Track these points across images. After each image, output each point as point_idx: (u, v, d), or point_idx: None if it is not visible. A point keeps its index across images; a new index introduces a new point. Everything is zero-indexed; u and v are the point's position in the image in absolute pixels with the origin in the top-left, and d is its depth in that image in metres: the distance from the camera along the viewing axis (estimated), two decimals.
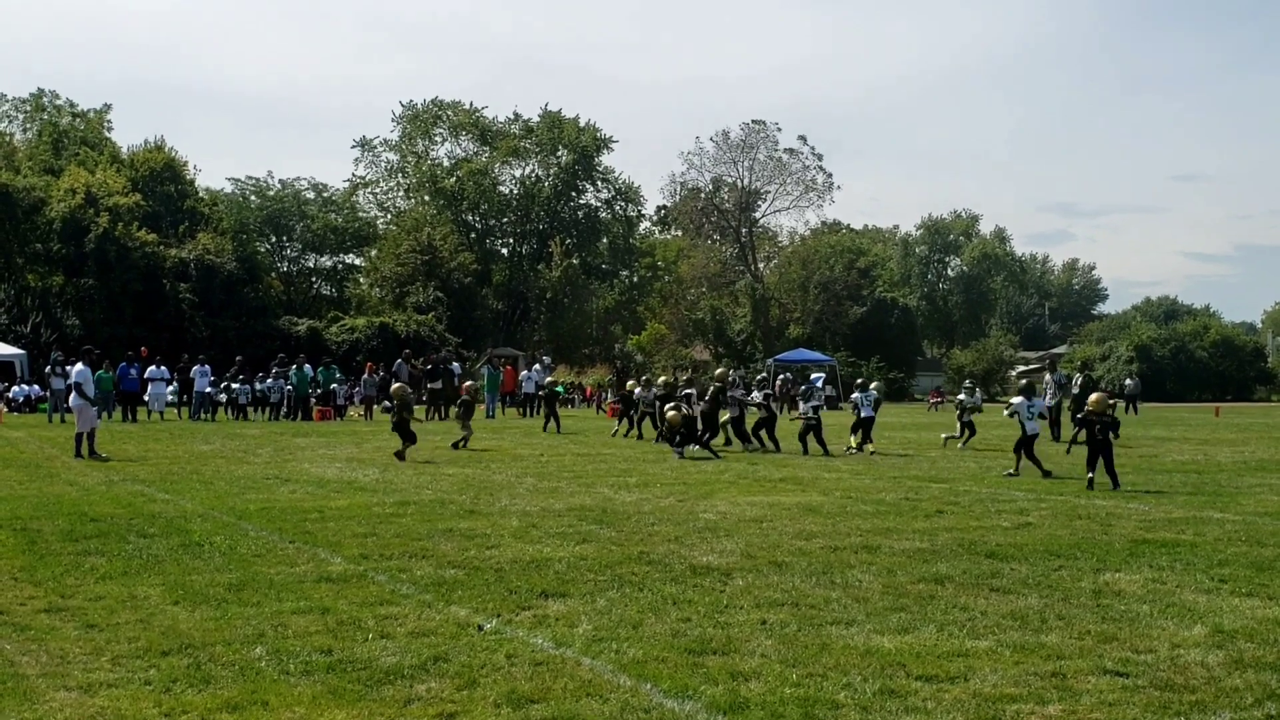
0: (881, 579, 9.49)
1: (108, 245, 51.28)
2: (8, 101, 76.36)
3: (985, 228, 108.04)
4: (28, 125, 75.82)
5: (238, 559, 10.31)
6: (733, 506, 14.36)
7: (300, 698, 6.18)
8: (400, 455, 20.79)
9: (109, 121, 75.48)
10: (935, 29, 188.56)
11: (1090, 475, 16.57)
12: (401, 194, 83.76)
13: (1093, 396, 17.51)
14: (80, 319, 50.80)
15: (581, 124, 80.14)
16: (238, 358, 39.74)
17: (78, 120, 74.94)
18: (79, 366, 22.65)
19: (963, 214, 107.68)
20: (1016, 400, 19.55)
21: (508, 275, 79.80)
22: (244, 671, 6.67)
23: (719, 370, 28.76)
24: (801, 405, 24.38)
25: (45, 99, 75.93)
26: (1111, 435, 16.87)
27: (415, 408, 21.75)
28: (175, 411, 38.32)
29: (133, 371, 35.83)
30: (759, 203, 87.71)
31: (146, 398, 36.27)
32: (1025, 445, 18.64)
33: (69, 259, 52.51)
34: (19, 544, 11.10)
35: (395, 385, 23.58)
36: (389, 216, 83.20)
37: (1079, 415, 18.44)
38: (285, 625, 7.78)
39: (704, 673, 6.72)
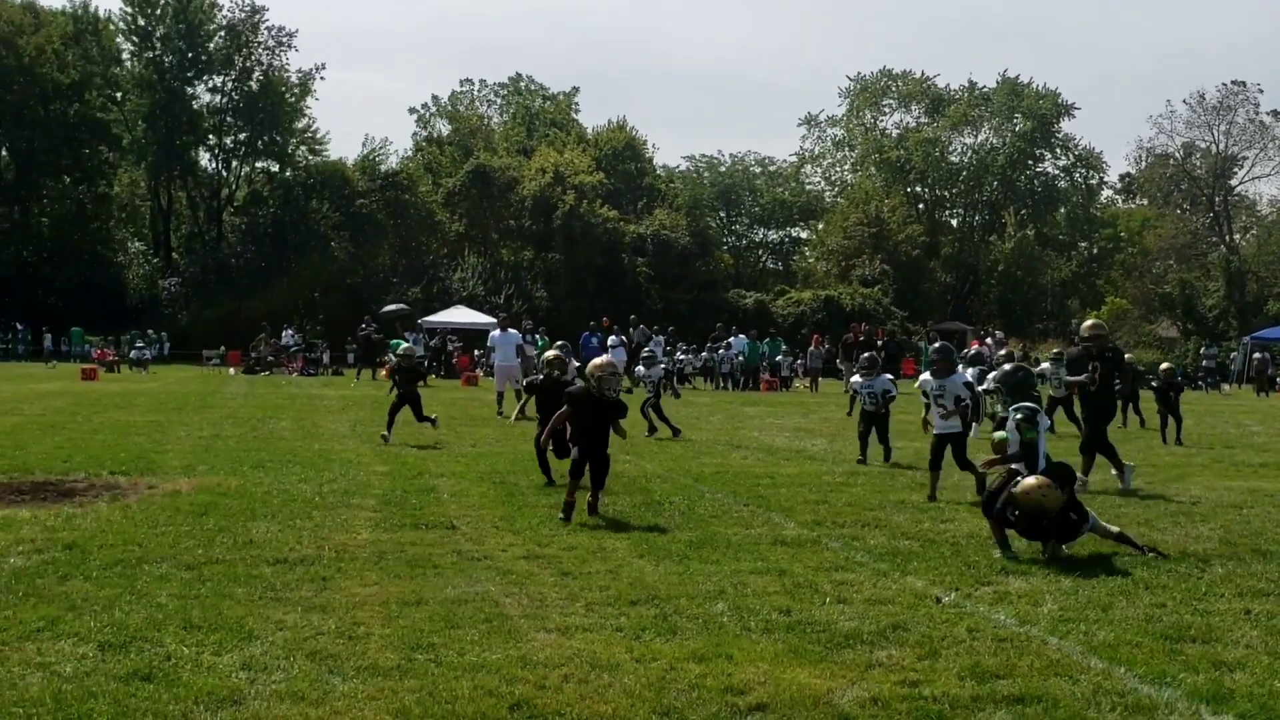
0: None
1: (573, 222, 54.69)
2: (487, 87, 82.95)
3: None
4: (504, 109, 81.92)
5: (696, 518, 10.65)
6: (1208, 491, 13.31)
7: (763, 654, 6.27)
8: None
9: (576, 104, 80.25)
10: None
11: None
12: (848, 167, 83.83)
13: None
14: (547, 291, 54.46)
15: (1040, 90, 76.92)
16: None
17: (548, 103, 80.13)
18: (495, 333, 25.70)
19: None
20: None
21: (957, 247, 78.04)
22: (707, 625, 6.85)
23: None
24: (643, 370, 20.95)
25: (522, 83, 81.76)
26: None
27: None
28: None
29: (594, 340, 38.03)
30: (1235, 169, 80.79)
31: None
32: None
33: (538, 234, 56.45)
34: (499, 496, 11.99)
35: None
36: (835, 190, 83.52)
37: None
38: (744, 584, 7.94)
39: (1183, 660, 6.25)
